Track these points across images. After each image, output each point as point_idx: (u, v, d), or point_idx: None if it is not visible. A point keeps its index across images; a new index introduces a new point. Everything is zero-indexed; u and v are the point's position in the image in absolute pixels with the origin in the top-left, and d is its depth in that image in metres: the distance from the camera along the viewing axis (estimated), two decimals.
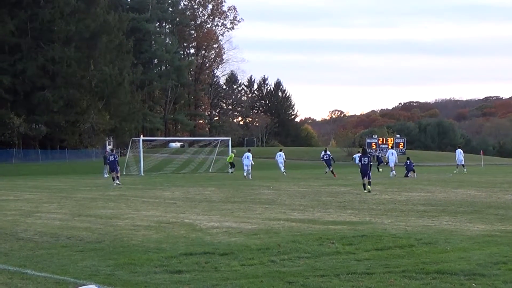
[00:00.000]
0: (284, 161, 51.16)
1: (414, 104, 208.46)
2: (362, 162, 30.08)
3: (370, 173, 29.89)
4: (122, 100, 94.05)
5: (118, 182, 38.86)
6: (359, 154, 47.17)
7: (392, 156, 47.79)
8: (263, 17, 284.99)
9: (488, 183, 35.72)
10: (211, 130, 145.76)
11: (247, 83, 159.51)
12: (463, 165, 51.40)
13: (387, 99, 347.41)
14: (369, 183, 29.25)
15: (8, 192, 32.91)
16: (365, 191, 28.66)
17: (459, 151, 52.38)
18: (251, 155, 46.98)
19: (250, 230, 15.48)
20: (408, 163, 45.02)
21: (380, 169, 51.48)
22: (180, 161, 64.34)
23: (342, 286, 9.20)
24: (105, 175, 50.04)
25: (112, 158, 41.02)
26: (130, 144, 61.25)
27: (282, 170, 49.75)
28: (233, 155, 55.97)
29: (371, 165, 30.86)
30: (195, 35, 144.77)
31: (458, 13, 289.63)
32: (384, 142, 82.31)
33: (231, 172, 53.84)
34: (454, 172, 50.06)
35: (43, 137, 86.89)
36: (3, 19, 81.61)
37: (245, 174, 46.19)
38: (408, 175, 44.02)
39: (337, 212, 20.03)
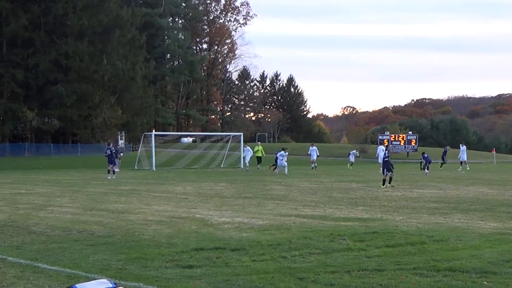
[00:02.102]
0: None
1: (427, 101, 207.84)
2: (385, 159, 30.69)
3: (385, 170, 30.72)
4: (135, 94, 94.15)
5: (113, 176, 40.17)
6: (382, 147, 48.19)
7: (382, 152, 47.62)
8: (276, 12, 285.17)
9: (501, 180, 35.58)
10: (223, 125, 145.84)
11: (260, 79, 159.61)
12: (461, 163, 51.78)
13: (399, 95, 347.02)
14: (391, 179, 30.22)
15: (20, 186, 33.06)
16: (384, 186, 29.23)
17: (464, 148, 52.64)
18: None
19: (262, 226, 15.49)
20: (426, 156, 45.02)
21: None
22: (192, 156, 64.41)
23: (353, 282, 9.18)
24: (116, 170, 50.28)
25: (108, 151, 42.04)
26: (142, 139, 61.42)
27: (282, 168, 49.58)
28: (261, 148, 55.02)
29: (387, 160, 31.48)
30: (207, 30, 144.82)
31: (471, 10, 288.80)
32: (396, 139, 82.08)
33: (258, 168, 52.88)
34: (461, 169, 50.17)
35: (56, 131, 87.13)
36: (17, 13, 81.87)
37: (278, 170, 46.05)
38: (427, 167, 43.80)
39: (348, 208, 20.00)
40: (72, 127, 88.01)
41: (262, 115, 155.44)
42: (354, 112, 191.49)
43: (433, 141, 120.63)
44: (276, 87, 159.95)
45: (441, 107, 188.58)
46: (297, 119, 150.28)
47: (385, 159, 30.86)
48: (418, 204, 21.09)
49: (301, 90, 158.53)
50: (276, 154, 48.84)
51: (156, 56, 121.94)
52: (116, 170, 49.59)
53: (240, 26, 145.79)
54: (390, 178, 30.27)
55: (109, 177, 39.66)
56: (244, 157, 52.47)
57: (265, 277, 9.54)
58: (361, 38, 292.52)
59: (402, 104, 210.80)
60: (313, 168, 53.09)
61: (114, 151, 42.98)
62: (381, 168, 30.92)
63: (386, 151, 31.84)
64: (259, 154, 54.27)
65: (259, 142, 60.95)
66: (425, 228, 14.87)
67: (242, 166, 57.22)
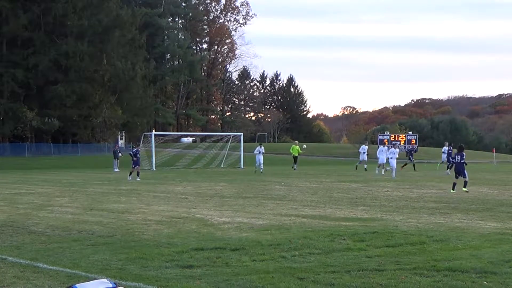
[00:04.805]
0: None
1: (427, 100, 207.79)
2: (456, 160, 27.76)
3: (466, 172, 27.32)
4: (135, 94, 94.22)
5: (128, 177, 38.66)
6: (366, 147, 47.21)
7: (381, 153, 46.49)
8: (275, 12, 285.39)
9: (500, 180, 35.57)
10: (223, 125, 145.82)
11: (260, 79, 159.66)
12: None
13: (399, 95, 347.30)
14: (465, 183, 26.87)
15: (20, 186, 33.06)
16: (453, 191, 26.27)
17: None
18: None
19: (261, 226, 15.47)
20: (450, 151, 42.52)
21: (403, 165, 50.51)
22: (192, 156, 64.44)
23: (353, 282, 9.17)
24: (115, 169, 50.36)
25: (136, 153, 39.70)
26: (142, 139, 61.43)
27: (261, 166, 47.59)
28: (298, 147, 52.69)
29: (463, 162, 27.62)
30: (207, 30, 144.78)
31: (471, 9, 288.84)
32: (396, 139, 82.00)
33: (295, 169, 50.78)
34: None
35: (56, 131, 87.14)
36: (16, 13, 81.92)
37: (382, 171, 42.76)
38: (448, 166, 42.05)
39: (348, 208, 19.97)
40: (72, 127, 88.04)
41: (262, 115, 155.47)
42: (354, 112, 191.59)
43: (433, 141, 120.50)
44: (276, 87, 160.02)
45: (441, 107, 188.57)
46: (297, 119, 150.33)
47: (458, 161, 27.51)
48: (418, 204, 21.07)
49: (301, 90, 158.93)
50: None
51: (156, 56, 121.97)
52: (116, 170, 49.69)
53: (240, 26, 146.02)
54: (465, 183, 26.86)
55: (129, 179, 38.09)
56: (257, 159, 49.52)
57: (265, 277, 9.53)
58: (360, 38, 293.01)
59: (402, 104, 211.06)
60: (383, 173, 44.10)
61: (133, 151, 40.27)
62: (455, 173, 27.97)
63: (459, 154, 27.64)
64: (296, 154, 52.21)
65: (296, 141, 60.10)
66: (425, 228, 14.85)
67: (242, 166, 57.18)
